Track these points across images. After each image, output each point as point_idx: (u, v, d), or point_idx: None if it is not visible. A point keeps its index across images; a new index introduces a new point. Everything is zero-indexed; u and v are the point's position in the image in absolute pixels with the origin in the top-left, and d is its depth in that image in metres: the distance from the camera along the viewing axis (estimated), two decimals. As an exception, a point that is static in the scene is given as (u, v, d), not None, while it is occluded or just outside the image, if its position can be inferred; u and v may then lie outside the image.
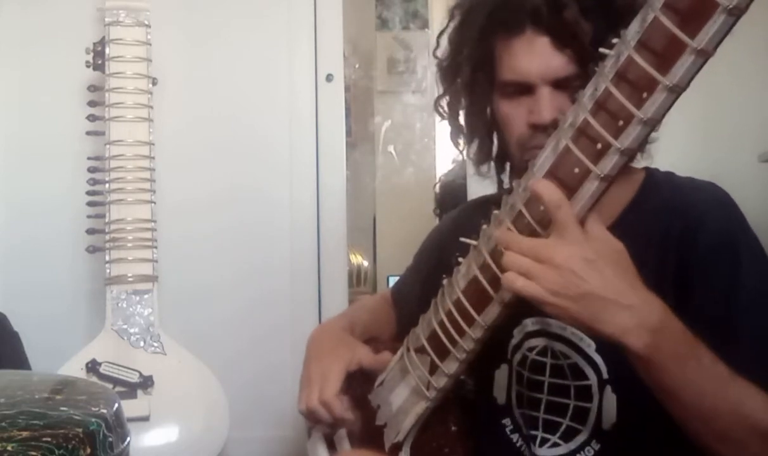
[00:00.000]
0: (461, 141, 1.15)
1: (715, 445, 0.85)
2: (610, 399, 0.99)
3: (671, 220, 0.98)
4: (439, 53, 1.13)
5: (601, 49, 0.81)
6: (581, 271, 0.79)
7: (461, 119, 1.13)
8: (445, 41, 1.11)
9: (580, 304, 0.80)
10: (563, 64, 0.96)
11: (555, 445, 1.02)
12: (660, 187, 1.04)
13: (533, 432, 1.04)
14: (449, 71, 1.11)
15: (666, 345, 0.80)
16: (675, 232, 0.97)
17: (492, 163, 1.14)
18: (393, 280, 1.41)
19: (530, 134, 0.99)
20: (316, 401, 1.11)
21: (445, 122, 1.18)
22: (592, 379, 1.00)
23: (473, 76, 1.06)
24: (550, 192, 0.82)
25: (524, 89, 0.99)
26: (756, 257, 0.95)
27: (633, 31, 0.77)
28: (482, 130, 1.10)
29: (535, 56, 0.97)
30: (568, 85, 0.97)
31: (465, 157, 1.18)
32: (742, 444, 0.84)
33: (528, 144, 1.00)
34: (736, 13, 0.71)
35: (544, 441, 1.03)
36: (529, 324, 1.06)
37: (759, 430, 0.83)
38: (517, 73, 0.99)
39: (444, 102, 1.14)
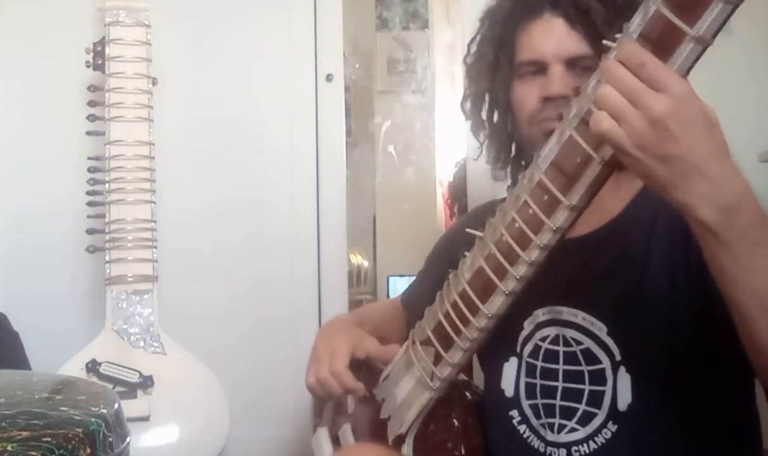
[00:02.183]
0: (482, 134, 1.22)
1: None
2: (625, 380, 1.01)
3: None
4: (468, 60, 1.21)
5: (605, 42, 0.82)
6: (676, 130, 0.74)
7: (483, 114, 1.20)
8: (474, 48, 1.20)
9: (663, 165, 0.75)
10: (576, 43, 1.04)
11: (572, 430, 1.04)
12: None
13: (550, 420, 1.06)
14: (475, 67, 1.18)
15: (739, 225, 0.76)
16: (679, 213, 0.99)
17: (509, 167, 1.19)
18: (393, 280, 1.42)
19: (540, 107, 1.06)
20: (326, 372, 1.14)
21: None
22: (605, 363, 1.02)
23: (496, 57, 1.14)
24: (630, 53, 0.76)
25: (539, 69, 1.07)
26: None
27: (635, 23, 0.79)
28: (503, 121, 1.17)
29: (551, 36, 1.06)
30: (579, 65, 1.04)
31: (479, 143, 1.24)
32: None
33: (537, 117, 1.07)
34: (733, 2, 0.73)
35: (561, 427, 1.05)
36: (540, 314, 1.08)
37: None
38: (534, 52, 1.07)
39: (469, 102, 1.21)
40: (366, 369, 1.16)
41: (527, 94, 1.08)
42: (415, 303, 1.30)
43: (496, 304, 0.95)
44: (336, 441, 1.21)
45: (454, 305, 0.99)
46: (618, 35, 0.81)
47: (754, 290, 0.78)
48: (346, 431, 1.19)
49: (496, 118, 1.18)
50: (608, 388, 1.02)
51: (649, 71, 0.74)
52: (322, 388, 1.16)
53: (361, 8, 3.48)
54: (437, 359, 1.03)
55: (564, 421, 1.04)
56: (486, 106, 1.19)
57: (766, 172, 1.88)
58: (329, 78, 2.12)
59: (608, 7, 1.01)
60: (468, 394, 1.17)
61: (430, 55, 3.49)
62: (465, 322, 0.98)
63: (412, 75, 3.53)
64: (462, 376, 1.11)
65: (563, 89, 1.02)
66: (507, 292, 0.94)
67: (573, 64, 1.05)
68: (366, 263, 3.38)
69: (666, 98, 0.73)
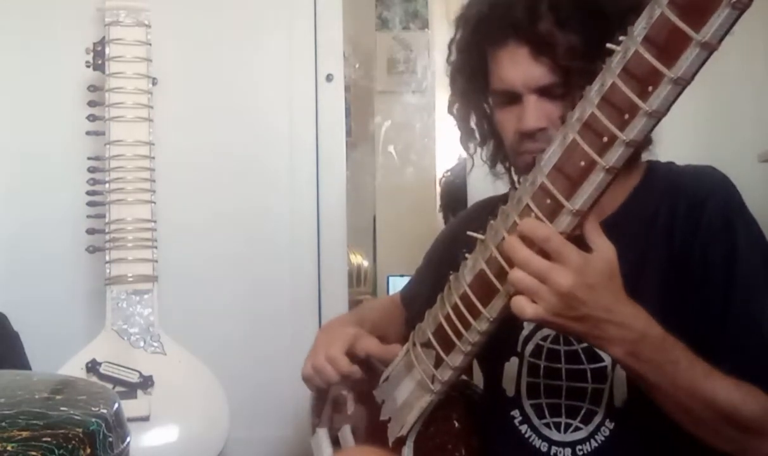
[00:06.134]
0: (471, 145, 1.19)
1: (693, 429, 0.93)
2: (620, 375, 1.02)
3: (678, 199, 1.02)
4: (449, 61, 1.18)
5: (609, 45, 0.82)
6: (583, 296, 0.86)
7: (472, 123, 1.17)
8: (454, 54, 1.16)
9: (578, 323, 0.87)
10: (543, 73, 1.01)
11: (577, 429, 1.05)
12: (663, 172, 1.08)
13: (556, 419, 1.06)
14: (456, 84, 1.17)
15: (645, 353, 0.89)
16: (681, 211, 1.01)
17: (506, 163, 1.18)
18: (393, 280, 1.42)
19: (519, 141, 1.04)
20: (322, 359, 1.14)
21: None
22: (607, 360, 1.03)
23: (467, 86, 1.13)
24: (534, 229, 0.86)
25: (513, 98, 1.04)
26: (752, 238, 1.00)
27: (640, 26, 0.79)
28: (488, 133, 1.16)
29: (517, 66, 1.02)
30: (552, 93, 1.01)
31: (469, 156, 1.23)
32: (715, 430, 0.91)
33: (518, 149, 1.05)
34: (740, 7, 0.73)
35: (567, 426, 1.05)
36: None
37: (732, 420, 0.90)
38: (504, 83, 1.05)
39: (455, 107, 1.19)
40: (365, 370, 1.16)
41: (505, 125, 1.07)
42: (415, 301, 1.29)
43: (498, 307, 0.94)
44: (336, 442, 1.21)
45: (455, 308, 0.98)
46: (622, 38, 0.80)
47: (667, 396, 0.91)
48: (346, 432, 1.19)
49: (485, 126, 1.16)
50: (607, 386, 1.03)
51: (553, 246, 0.85)
52: (319, 376, 1.15)
53: (361, 8, 3.49)
54: (438, 362, 1.02)
55: (569, 420, 1.05)
56: (474, 118, 1.17)
57: (766, 172, 1.88)
58: (329, 78, 2.12)
59: (572, 36, 0.98)
60: (467, 393, 1.17)
61: (430, 55, 3.49)
62: (466, 325, 0.97)
63: (412, 75, 3.54)
64: (462, 376, 1.10)
65: (538, 122, 1.01)
66: (510, 295, 0.92)
67: (546, 92, 1.01)
68: (366, 263, 3.38)
69: (569, 272, 0.85)
